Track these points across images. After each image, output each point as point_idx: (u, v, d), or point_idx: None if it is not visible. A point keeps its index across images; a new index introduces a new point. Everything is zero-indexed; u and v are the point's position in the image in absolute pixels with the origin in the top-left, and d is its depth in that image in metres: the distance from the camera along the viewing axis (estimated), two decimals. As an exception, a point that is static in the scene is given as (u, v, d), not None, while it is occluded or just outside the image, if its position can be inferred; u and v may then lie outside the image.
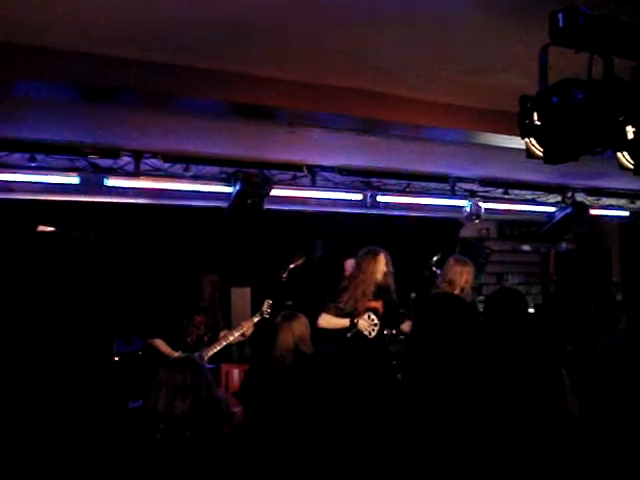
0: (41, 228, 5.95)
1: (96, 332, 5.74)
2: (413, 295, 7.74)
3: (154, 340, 6.38)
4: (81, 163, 6.65)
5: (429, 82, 5.18)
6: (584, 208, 9.54)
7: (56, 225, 6.12)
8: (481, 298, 7.20)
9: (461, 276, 6.35)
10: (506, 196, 9.29)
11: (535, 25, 3.40)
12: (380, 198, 8.35)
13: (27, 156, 6.39)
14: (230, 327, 6.84)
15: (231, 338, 6.64)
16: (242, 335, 6.69)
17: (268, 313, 6.73)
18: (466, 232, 10.47)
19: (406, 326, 6.54)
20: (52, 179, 6.66)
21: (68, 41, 4.18)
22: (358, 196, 8.28)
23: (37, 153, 6.40)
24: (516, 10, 3.81)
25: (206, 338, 6.58)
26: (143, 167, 6.86)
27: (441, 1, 3.80)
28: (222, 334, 6.67)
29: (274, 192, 7.43)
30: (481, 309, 6.57)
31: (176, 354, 6.32)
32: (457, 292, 6.25)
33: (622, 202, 10.39)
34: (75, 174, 6.68)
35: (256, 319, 6.74)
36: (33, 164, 6.43)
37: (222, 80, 4.88)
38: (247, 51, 4.47)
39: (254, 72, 4.88)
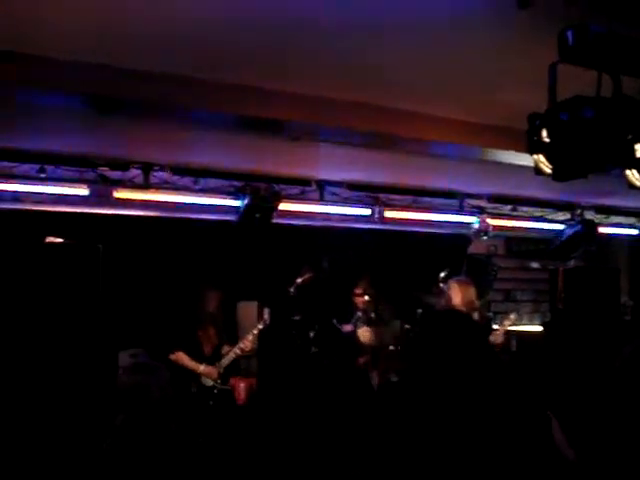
0: (50, 239, 5.98)
1: (102, 343, 5.75)
2: (420, 311, 7.72)
3: (178, 354, 6.38)
4: (90, 175, 6.67)
5: (438, 97, 5.19)
6: (593, 226, 9.51)
7: (64, 236, 6.14)
8: (490, 315, 7.21)
9: (458, 295, 6.36)
10: (514, 213, 9.27)
11: (545, 43, 3.41)
12: (388, 213, 8.34)
13: (36, 167, 6.42)
14: (237, 341, 6.83)
15: (238, 352, 6.66)
16: (248, 346, 6.69)
17: (269, 320, 6.73)
18: (474, 249, 10.43)
19: None
20: (61, 190, 6.66)
21: (79, 52, 4.20)
22: (366, 211, 8.26)
23: (46, 164, 6.42)
24: (527, 27, 3.81)
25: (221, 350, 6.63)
26: (152, 179, 6.87)
27: (451, 16, 3.81)
28: (227, 347, 6.69)
29: (282, 206, 7.44)
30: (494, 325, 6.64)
31: (201, 367, 6.36)
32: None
33: (631, 220, 10.36)
34: (84, 186, 6.69)
35: (261, 326, 6.74)
36: (42, 175, 6.46)
37: (231, 93, 4.89)
38: (256, 64, 4.48)
39: (263, 85, 4.89)
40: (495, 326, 7.06)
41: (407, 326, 7.29)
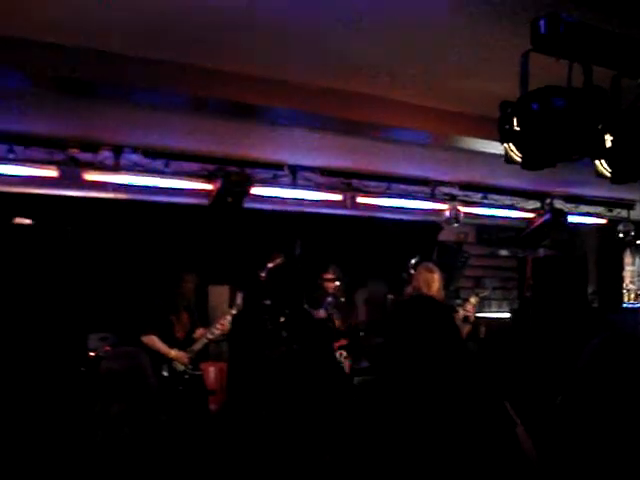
0: (18, 220, 5.92)
1: (71, 326, 5.72)
2: (390, 297, 7.76)
3: (150, 336, 6.33)
4: (60, 156, 6.58)
5: (411, 84, 5.20)
6: (562, 215, 9.60)
7: (33, 218, 6.08)
8: (459, 302, 7.21)
9: (421, 281, 6.36)
10: (485, 201, 9.32)
11: (518, 32, 3.42)
12: (360, 199, 8.34)
13: (5, 148, 6.32)
14: (208, 325, 6.81)
15: (211, 337, 6.64)
16: (221, 331, 6.67)
17: (243, 306, 6.72)
18: (445, 236, 10.50)
19: None
20: (30, 171, 6.57)
21: (49, 33, 4.15)
22: (338, 197, 8.25)
23: (15, 145, 6.33)
24: (500, 16, 3.83)
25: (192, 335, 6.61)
26: (123, 162, 6.80)
27: (426, 4, 3.82)
28: (199, 332, 6.67)
29: (254, 190, 7.41)
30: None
31: (173, 352, 6.34)
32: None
33: (600, 210, 10.46)
34: (54, 167, 6.61)
35: (234, 311, 6.72)
36: (11, 156, 6.36)
37: (204, 77, 4.87)
38: (231, 49, 4.46)
39: (237, 70, 4.87)
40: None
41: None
